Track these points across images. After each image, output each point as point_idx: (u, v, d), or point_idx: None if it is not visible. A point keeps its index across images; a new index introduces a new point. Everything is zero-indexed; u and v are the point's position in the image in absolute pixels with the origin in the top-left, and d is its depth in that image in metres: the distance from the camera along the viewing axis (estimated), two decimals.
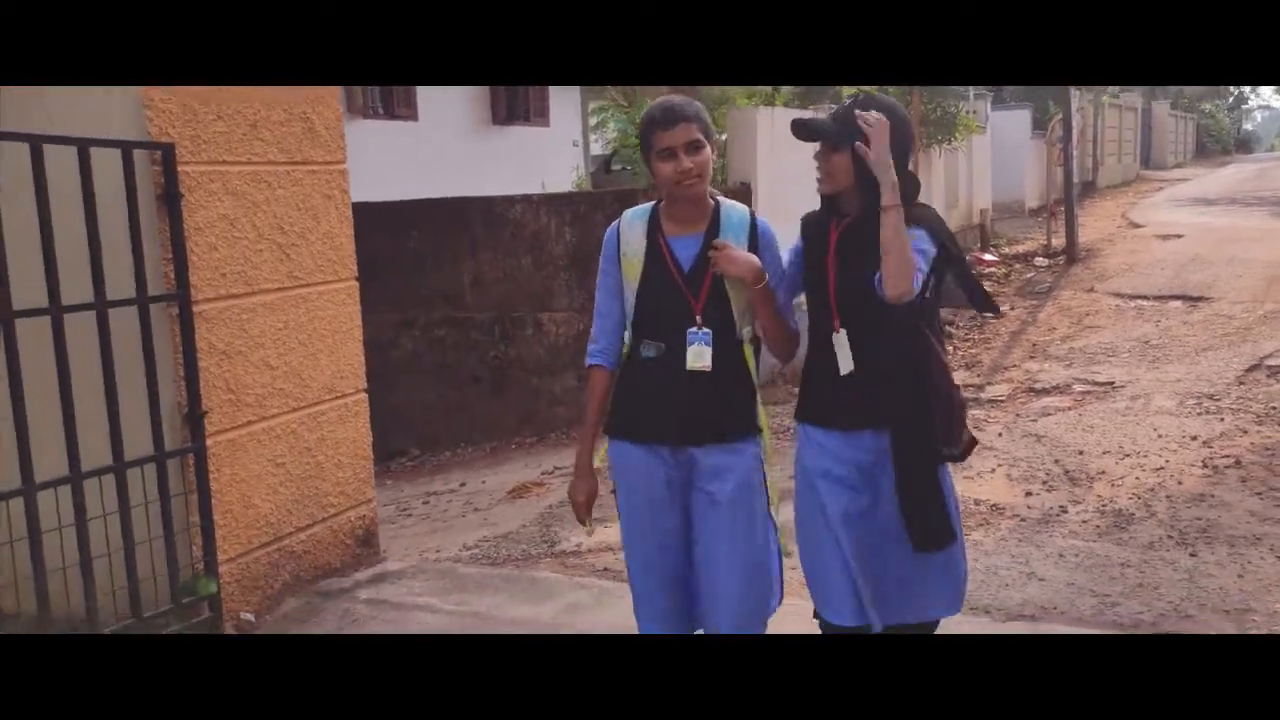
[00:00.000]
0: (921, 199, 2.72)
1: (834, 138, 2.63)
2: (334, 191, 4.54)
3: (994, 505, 5.70)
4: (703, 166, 2.65)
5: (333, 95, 4.54)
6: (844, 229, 2.67)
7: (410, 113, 13.33)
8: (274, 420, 4.28)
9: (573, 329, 8.52)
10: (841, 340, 2.64)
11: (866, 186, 2.57)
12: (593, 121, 17.40)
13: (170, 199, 3.74)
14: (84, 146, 3.45)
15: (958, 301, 2.68)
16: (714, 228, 2.72)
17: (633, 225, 2.78)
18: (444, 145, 13.66)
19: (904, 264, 2.48)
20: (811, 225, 2.80)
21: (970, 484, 6.13)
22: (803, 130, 2.70)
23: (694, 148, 2.62)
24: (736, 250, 2.66)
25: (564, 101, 16.44)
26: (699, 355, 2.66)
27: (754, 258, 2.67)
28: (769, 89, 11.16)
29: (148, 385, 3.73)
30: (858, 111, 2.60)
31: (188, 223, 3.82)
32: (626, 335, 2.79)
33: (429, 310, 8.73)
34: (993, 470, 6.39)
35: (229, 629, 4.01)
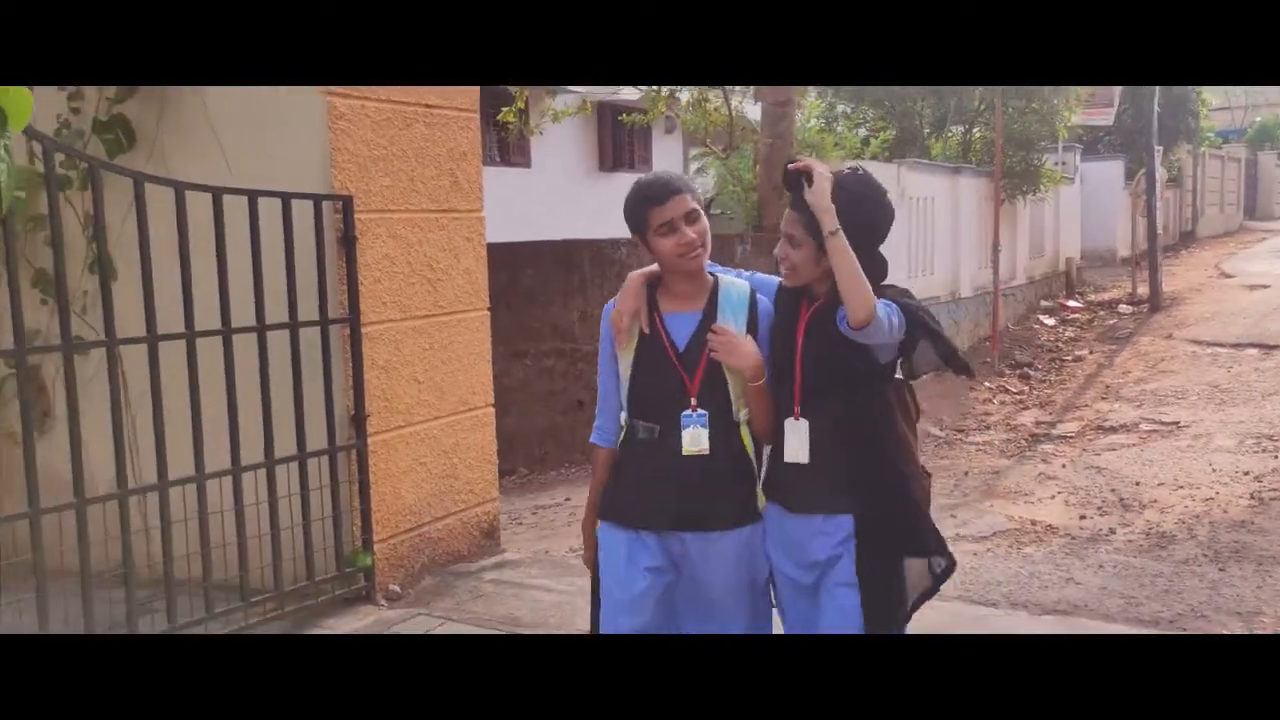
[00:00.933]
0: (1005, 248, 3.04)
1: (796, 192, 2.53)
2: (472, 235, 5.40)
3: (1048, 525, 6.28)
4: (704, 236, 2.57)
5: (475, 154, 5.40)
6: (814, 312, 2.58)
7: (524, 160, 14.35)
8: (419, 426, 5.12)
9: None
10: (799, 429, 2.56)
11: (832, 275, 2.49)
12: (694, 168, 18.29)
13: (348, 241, 4.62)
14: (287, 199, 4.36)
15: (934, 364, 2.61)
16: (712, 306, 2.62)
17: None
18: (554, 190, 14.64)
19: (858, 285, 2.39)
20: (784, 299, 2.68)
21: (1030, 508, 6.71)
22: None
23: (692, 218, 2.55)
24: (738, 338, 2.56)
25: (666, 149, 17.36)
26: (695, 439, 2.56)
27: (756, 350, 2.57)
28: (858, 143, 11.86)
29: (325, 391, 4.59)
30: (797, 160, 2.57)
31: (359, 260, 4.70)
32: (623, 415, 2.69)
33: (539, 342, 9.59)
34: (1053, 496, 6.96)
35: (380, 598, 4.83)
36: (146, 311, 3.97)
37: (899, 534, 2.54)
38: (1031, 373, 11.08)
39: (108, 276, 3.97)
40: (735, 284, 2.67)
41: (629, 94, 13.81)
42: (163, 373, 4.00)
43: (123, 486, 3.92)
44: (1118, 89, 16.71)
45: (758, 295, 2.67)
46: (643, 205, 2.58)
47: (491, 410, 5.60)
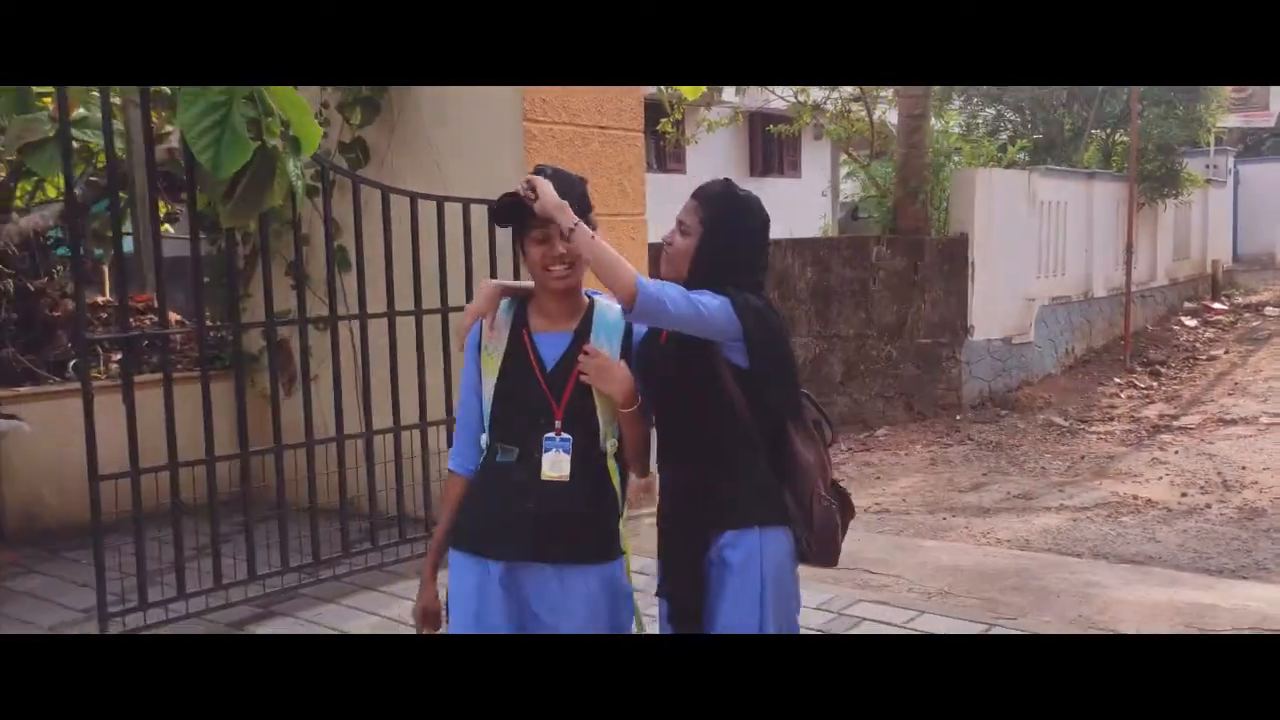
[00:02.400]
0: (1145, 250, 2.92)
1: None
2: (636, 234, 6.41)
3: (1149, 500, 6.92)
4: (577, 257, 2.36)
5: (639, 166, 6.42)
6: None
7: (680, 167, 15.40)
8: None
9: (810, 352, 10.18)
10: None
11: (698, 269, 2.44)
12: (844, 172, 19.00)
13: None
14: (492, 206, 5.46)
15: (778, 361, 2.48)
16: (586, 326, 2.46)
17: (504, 314, 2.50)
18: None
19: (610, 268, 2.24)
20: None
21: (1136, 486, 7.35)
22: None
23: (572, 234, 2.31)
24: (610, 361, 2.41)
25: (816, 155, 18.13)
26: (556, 463, 2.39)
27: (628, 375, 2.41)
28: (995, 150, 12.45)
29: None
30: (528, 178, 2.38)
31: None
32: (484, 437, 2.50)
33: None
34: (1160, 478, 7.56)
35: None
36: (387, 294, 5.13)
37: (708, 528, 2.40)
38: (1163, 370, 11.47)
39: (341, 267, 5.13)
40: (613, 306, 2.45)
41: (778, 104, 14.67)
42: (380, 343, 5.14)
43: (340, 433, 5.04)
44: (1272, 89, 16.64)
45: (634, 325, 2.47)
46: (526, 207, 2.34)
47: None
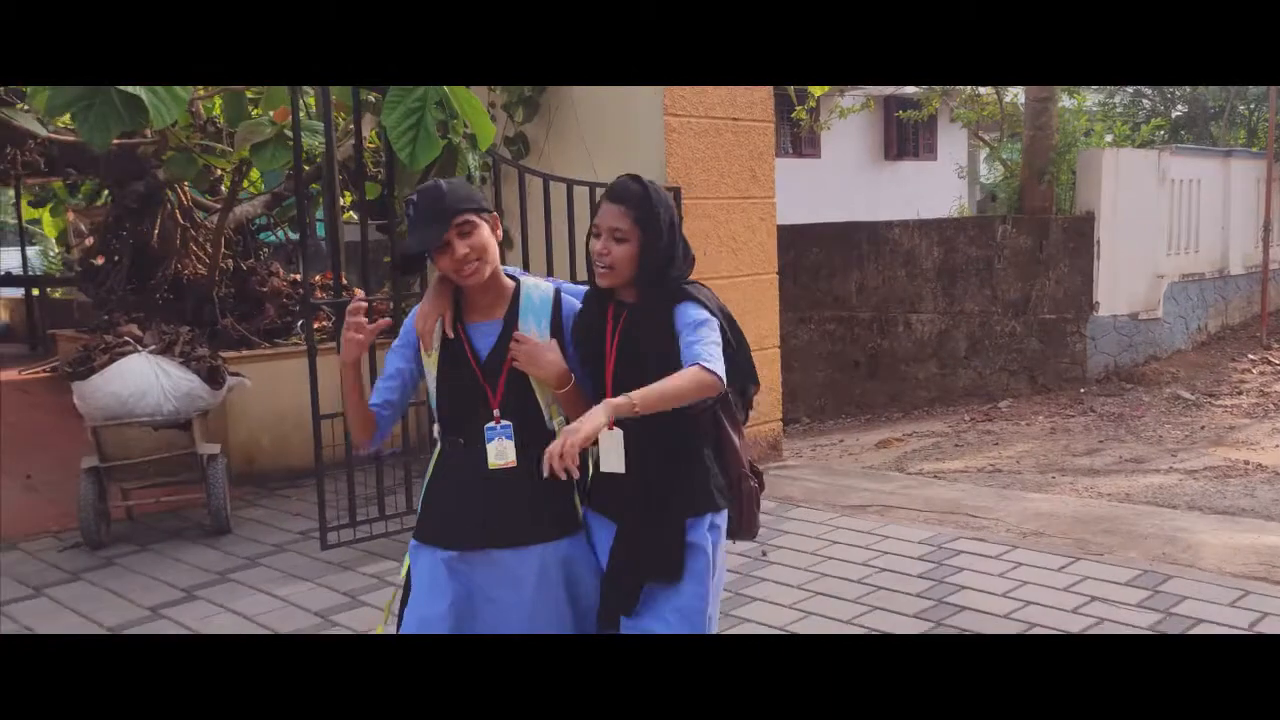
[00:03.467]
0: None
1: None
2: (765, 216, 7.09)
3: (1259, 465, 7.25)
4: (479, 249, 2.42)
5: (769, 154, 7.09)
6: (625, 320, 2.48)
7: (815, 152, 15.91)
8: None
9: (936, 328, 10.65)
10: (614, 438, 2.39)
11: (645, 273, 2.44)
12: (983, 155, 19.16)
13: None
14: None
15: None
16: (513, 313, 2.52)
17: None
18: (841, 178, 16.11)
19: (683, 396, 2.30)
20: (591, 304, 2.55)
21: (1250, 453, 7.67)
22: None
23: (464, 230, 2.41)
24: (539, 346, 2.46)
25: (951, 138, 18.35)
26: (500, 451, 2.46)
27: (558, 357, 2.46)
28: (1127, 130, 12.59)
29: None
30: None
31: (684, 234, 6.49)
32: (436, 429, 2.59)
33: (821, 310, 11.17)
34: (1277, 445, 7.83)
35: None
36: (547, 269, 5.94)
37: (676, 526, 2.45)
38: None
39: (504, 246, 5.94)
40: (538, 287, 2.57)
41: (909, 90, 15.05)
42: None
43: None
44: None
45: (564, 295, 2.57)
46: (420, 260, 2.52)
47: (778, 350, 7.28)
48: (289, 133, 6.22)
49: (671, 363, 2.35)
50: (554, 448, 2.18)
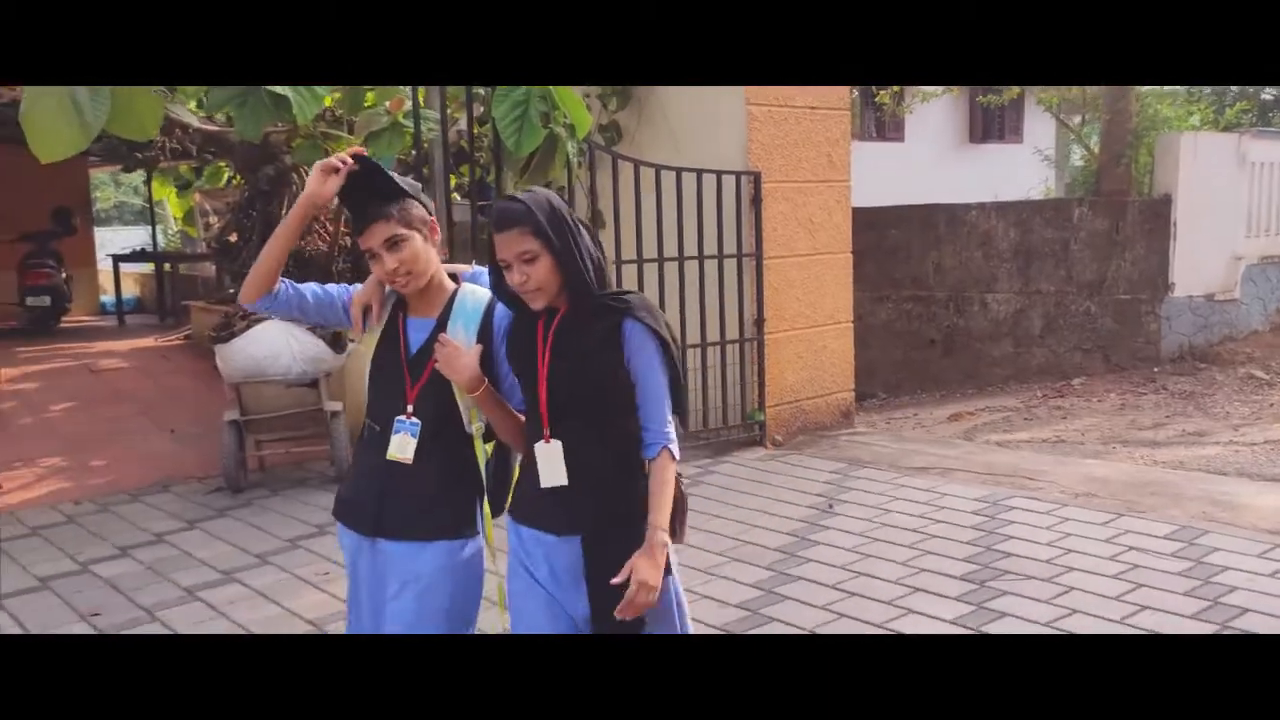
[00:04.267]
0: None
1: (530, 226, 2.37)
2: (841, 198, 7.55)
3: None
4: (409, 262, 2.48)
5: (845, 140, 7.54)
6: (556, 328, 2.45)
7: (898, 135, 16.19)
8: (798, 331, 7.37)
9: (1011, 307, 10.97)
10: (552, 452, 2.42)
11: (572, 279, 2.39)
12: (1072, 138, 19.17)
13: (756, 203, 6.94)
14: (720, 175, 6.74)
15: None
16: (446, 315, 2.57)
17: (388, 297, 2.63)
18: (925, 161, 16.36)
19: (673, 488, 2.41)
20: (521, 317, 2.51)
21: None
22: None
23: (393, 243, 2.46)
24: (458, 350, 2.49)
25: (1038, 121, 18.41)
26: (401, 445, 2.53)
27: (472, 364, 2.49)
28: (1210, 112, 12.68)
29: (738, 301, 6.96)
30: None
31: (763, 215, 7.00)
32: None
33: (899, 289, 11.56)
34: None
35: (768, 443, 7.14)
36: (636, 245, 6.51)
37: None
38: None
39: (597, 224, 6.52)
40: (474, 293, 2.61)
41: None
42: (637, 288, 6.52)
43: None
44: None
45: (497, 303, 2.56)
46: (354, 232, 2.60)
47: (850, 325, 7.75)
48: (403, 121, 6.88)
49: (607, 372, 2.39)
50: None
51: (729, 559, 4.90)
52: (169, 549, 5.33)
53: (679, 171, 6.58)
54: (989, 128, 17.76)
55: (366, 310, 2.62)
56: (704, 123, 7.12)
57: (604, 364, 2.40)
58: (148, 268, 14.56)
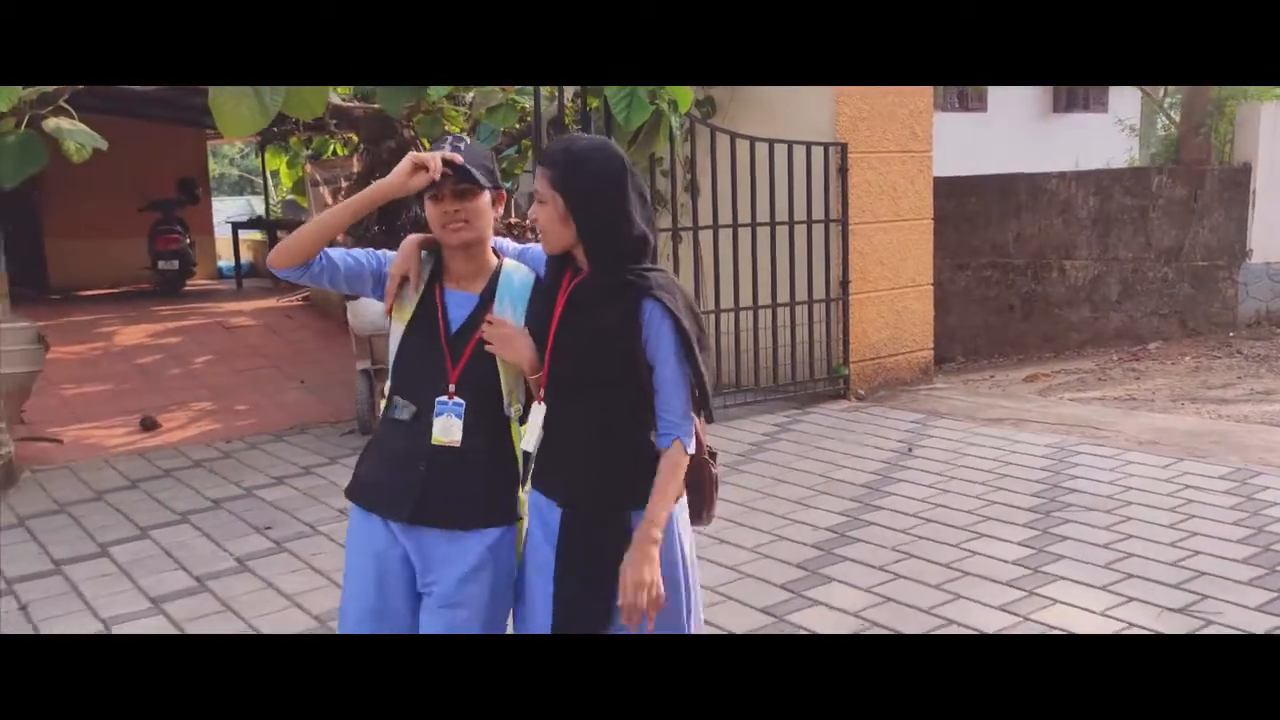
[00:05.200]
0: None
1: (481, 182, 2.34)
2: (922, 168, 8.00)
3: None
4: (472, 212, 2.36)
5: (928, 113, 7.98)
6: (571, 290, 2.36)
7: (981, 105, 16.42)
8: (881, 292, 7.86)
9: (1090, 273, 11.29)
10: (539, 414, 2.37)
11: (589, 245, 2.31)
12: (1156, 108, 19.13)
13: (843, 172, 7.44)
14: (809, 146, 7.25)
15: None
16: (491, 291, 2.43)
17: (423, 264, 2.47)
18: (1007, 131, 16.56)
19: (678, 486, 2.33)
20: (549, 269, 2.44)
21: None
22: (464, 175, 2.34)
23: (462, 191, 2.35)
24: (514, 331, 2.39)
25: (1121, 91, 18.43)
26: (446, 428, 2.39)
27: (530, 345, 2.38)
28: None
29: (825, 263, 7.47)
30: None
31: (849, 184, 7.49)
32: (387, 385, 2.51)
33: (978, 256, 11.92)
34: None
35: (851, 397, 7.66)
36: (732, 212, 7.05)
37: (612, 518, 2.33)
38: None
39: (696, 193, 7.08)
40: (519, 269, 2.48)
41: None
42: (732, 251, 7.07)
43: (715, 308, 7.02)
44: None
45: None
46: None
47: (930, 288, 8.21)
48: (515, 98, 7.49)
49: (617, 353, 2.29)
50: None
51: (818, 492, 5.45)
52: (317, 479, 6.05)
53: (771, 143, 7.11)
54: (1072, 98, 17.86)
55: (403, 282, 2.43)
56: (794, 97, 7.61)
57: (616, 346, 2.29)
58: (258, 234, 15.47)
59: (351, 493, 2.52)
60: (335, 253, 2.45)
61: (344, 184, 13.41)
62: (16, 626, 4.15)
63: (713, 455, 2.54)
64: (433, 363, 2.41)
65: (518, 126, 8.11)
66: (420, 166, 2.34)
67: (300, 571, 4.62)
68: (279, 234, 14.89)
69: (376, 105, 7.47)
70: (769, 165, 7.14)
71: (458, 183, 2.34)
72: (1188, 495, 5.15)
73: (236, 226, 14.89)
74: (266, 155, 14.75)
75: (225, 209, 24.42)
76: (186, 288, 13.19)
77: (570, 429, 2.35)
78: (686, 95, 6.35)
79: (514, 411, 2.44)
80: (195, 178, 13.66)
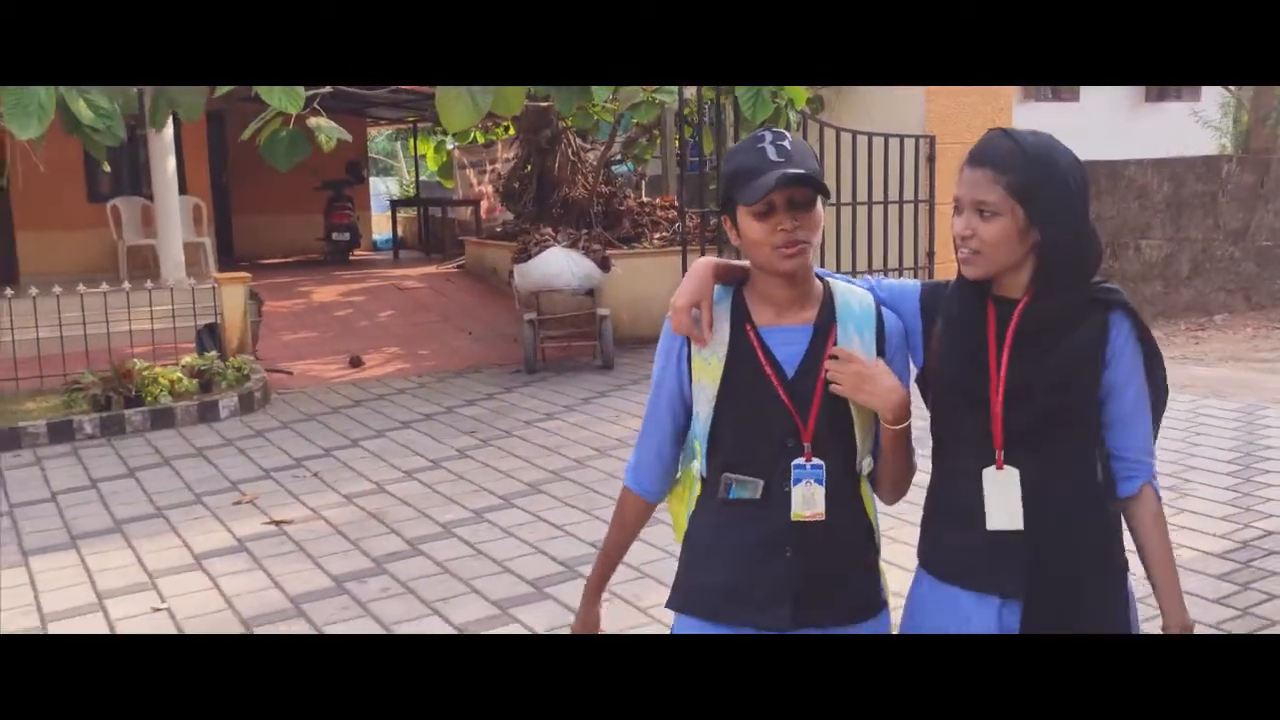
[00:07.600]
0: None
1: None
2: None
3: None
4: (811, 227, 1.83)
5: (1008, 108, 9.26)
6: (1019, 322, 1.85)
7: (1073, 96, 17.38)
8: None
9: (1162, 252, 12.40)
10: (1006, 480, 1.85)
11: (1046, 269, 1.83)
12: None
13: (931, 160, 8.79)
14: (903, 138, 8.62)
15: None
16: (827, 320, 1.90)
17: (717, 301, 1.93)
18: (1099, 120, 17.48)
19: (1170, 549, 1.91)
20: (951, 301, 1.94)
21: None
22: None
23: (799, 205, 1.81)
24: (872, 367, 1.86)
25: None
26: (809, 499, 1.86)
27: (898, 383, 1.86)
28: None
29: (914, 237, 8.83)
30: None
31: (936, 170, 8.83)
32: (697, 465, 1.95)
33: None
34: None
35: None
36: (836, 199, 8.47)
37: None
38: None
39: None
40: (853, 291, 1.96)
41: None
42: (834, 226, 8.49)
43: None
44: None
45: (883, 309, 1.96)
46: (738, 176, 1.84)
47: None
48: (657, 97, 9.00)
49: (1091, 383, 1.85)
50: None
51: None
52: (500, 402, 7.68)
53: (870, 136, 8.50)
54: (1164, 88, 18.62)
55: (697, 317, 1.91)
56: (890, 96, 8.97)
57: (1088, 375, 1.85)
58: (410, 211, 17.35)
59: (687, 606, 1.97)
60: (652, 450, 2.02)
61: (488, 166, 15.19)
62: (317, 488, 5.80)
63: None
64: (769, 420, 1.87)
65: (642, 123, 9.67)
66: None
67: (507, 458, 6.22)
68: (430, 211, 16.73)
69: (541, 103, 9.05)
70: (868, 154, 8.53)
71: (795, 192, 1.80)
72: (1198, 425, 6.43)
73: (395, 204, 16.75)
74: (416, 140, 16.55)
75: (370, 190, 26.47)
76: (352, 257, 15.06)
77: (1040, 496, 1.84)
78: (801, 94, 7.77)
79: (865, 466, 1.93)
80: (360, 160, 15.52)
